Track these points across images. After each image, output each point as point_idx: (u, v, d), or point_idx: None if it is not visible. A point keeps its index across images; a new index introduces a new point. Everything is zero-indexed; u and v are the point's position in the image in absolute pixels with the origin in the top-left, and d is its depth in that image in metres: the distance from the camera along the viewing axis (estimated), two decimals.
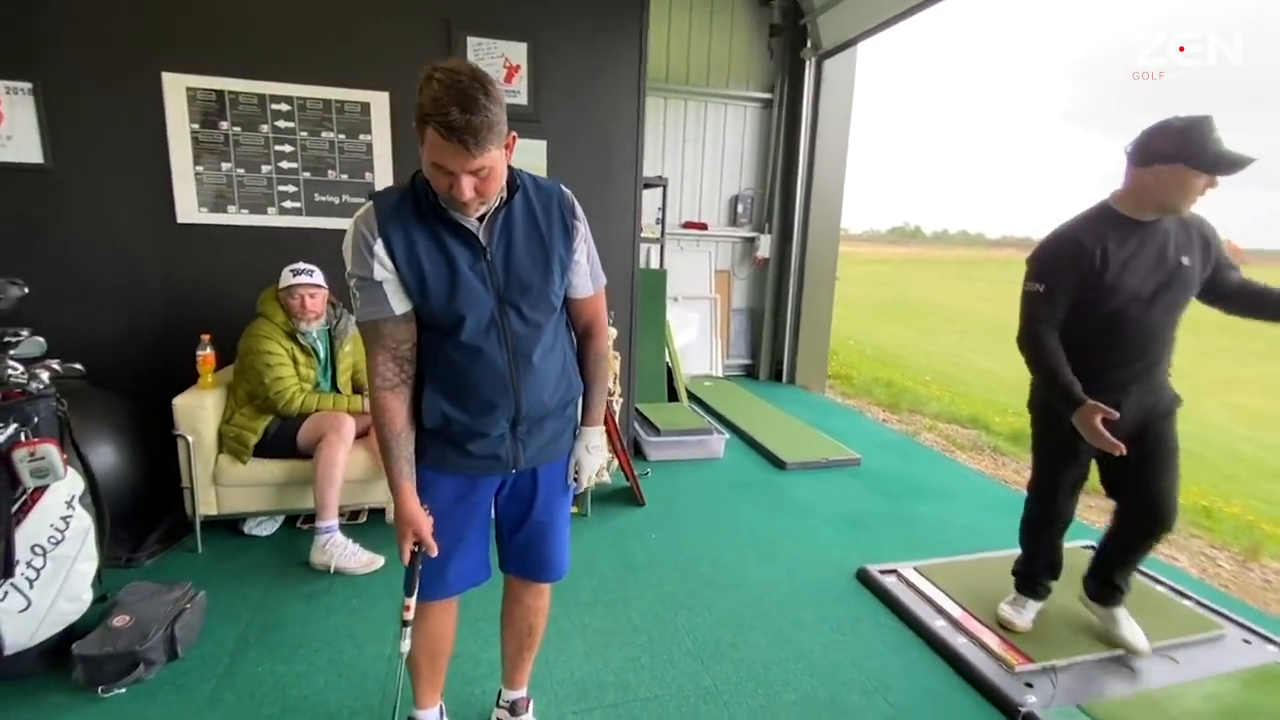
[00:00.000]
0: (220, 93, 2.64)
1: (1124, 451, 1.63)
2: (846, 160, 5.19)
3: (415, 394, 1.19)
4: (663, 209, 4.47)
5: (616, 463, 3.00)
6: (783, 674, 1.81)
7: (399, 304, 1.12)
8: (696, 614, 2.08)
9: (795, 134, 5.13)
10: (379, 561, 2.27)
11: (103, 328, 2.64)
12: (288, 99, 2.72)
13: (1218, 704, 1.70)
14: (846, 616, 2.10)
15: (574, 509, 2.73)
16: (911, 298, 20.49)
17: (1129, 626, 1.90)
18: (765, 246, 5.42)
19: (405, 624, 1.24)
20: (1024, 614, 2.00)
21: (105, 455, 2.23)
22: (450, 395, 1.17)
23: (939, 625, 2.01)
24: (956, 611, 2.07)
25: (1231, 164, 1.56)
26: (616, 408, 2.91)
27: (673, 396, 4.33)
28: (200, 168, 2.68)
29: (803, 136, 5.07)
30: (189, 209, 2.69)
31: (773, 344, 5.57)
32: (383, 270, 1.10)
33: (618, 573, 2.31)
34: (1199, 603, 2.19)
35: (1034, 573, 2.02)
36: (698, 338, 5.33)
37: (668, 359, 4.35)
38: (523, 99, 2.97)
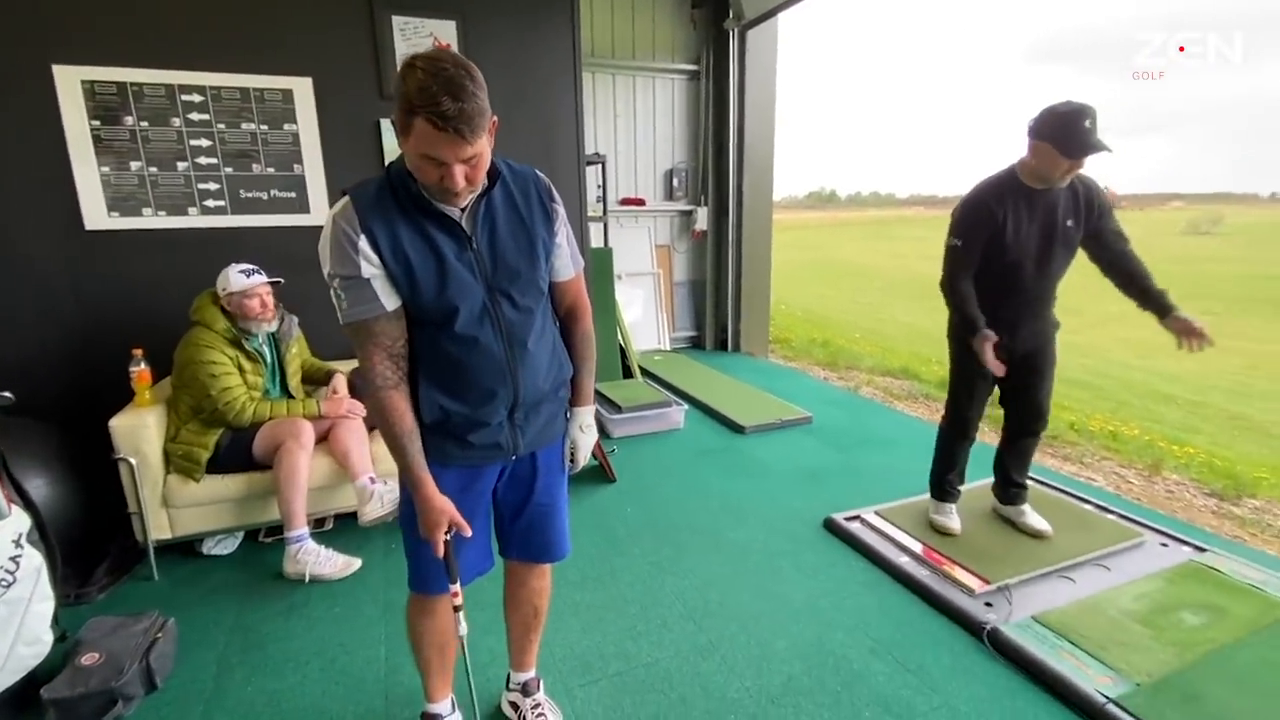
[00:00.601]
0: (122, 85, 2.43)
1: (1003, 373, 1.99)
2: (774, 129, 5.31)
3: (410, 391, 1.18)
4: (603, 186, 4.45)
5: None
6: (771, 624, 1.92)
7: (389, 300, 1.10)
8: (682, 578, 2.16)
9: (724, 105, 5.20)
10: (356, 564, 2.22)
11: (13, 351, 2.41)
12: (199, 89, 2.53)
13: (1148, 601, 1.93)
14: (820, 563, 2.24)
15: None
16: (833, 260, 21.31)
17: (1034, 517, 2.35)
18: (702, 219, 5.49)
19: (457, 609, 1.24)
20: (951, 517, 2.36)
21: (37, 488, 2.05)
22: (447, 388, 1.17)
23: (904, 562, 2.17)
24: (917, 547, 2.24)
25: (1085, 151, 1.83)
26: None
27: (627, 374, 4.38)
28: (106, 169, 2.47)
29: (731, 107, 5.14)
30: (98, 215, 2.48)
31: (716, 314, 5.70)
32: (370, 266, 1.07)
33: (601, 549, 2.36)
34: (1120, 515, 2.46)
35: (947, 479, 2.36)
36: (643, 313, 5.38)
37: (619, 337, 4.38)
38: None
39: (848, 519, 2.47)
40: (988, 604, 1.94)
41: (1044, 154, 1.89)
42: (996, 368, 1.99)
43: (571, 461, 1.39)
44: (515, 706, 1.55)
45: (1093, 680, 1.60)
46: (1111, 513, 2.49)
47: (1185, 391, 6.43)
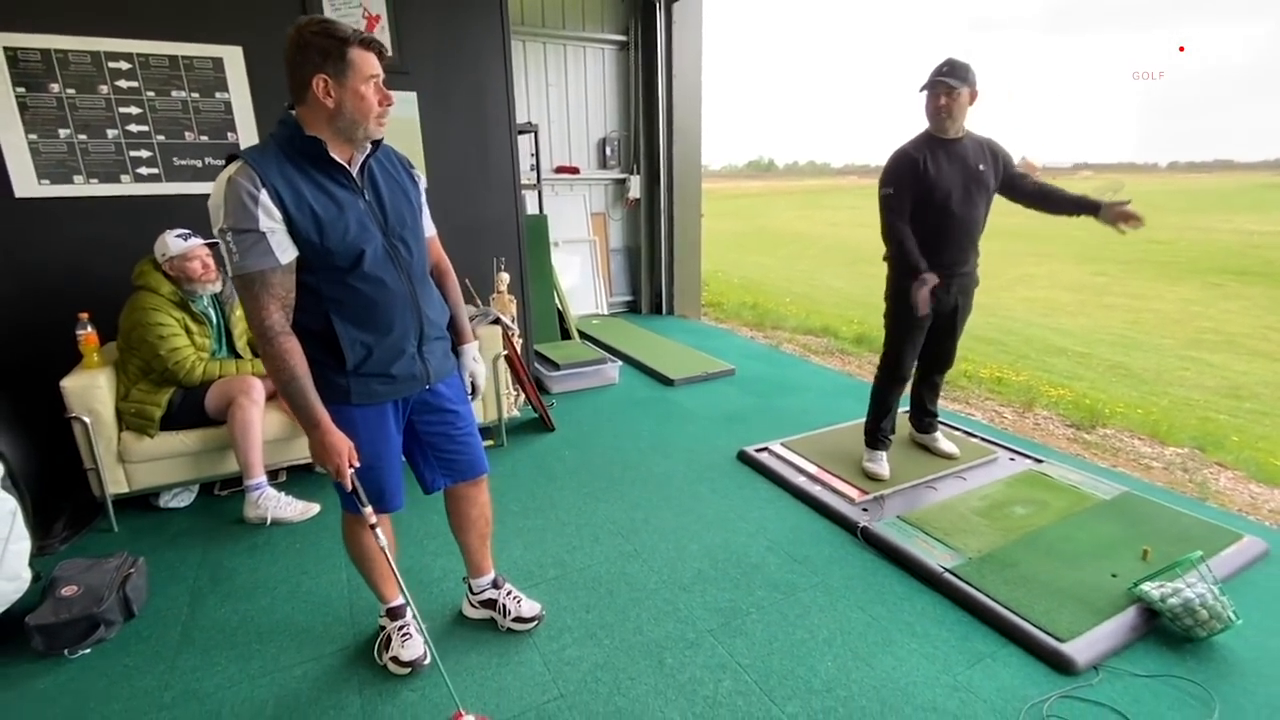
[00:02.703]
0: (45, 52, 2.43)
1: (926, 314, 2.27)
2: (702, 99, 5.55)
3: (324, 340, 1.32)
4: (536, 155, 4.60)
5: (524, 397, 3.27)
6: (687, 533, 2.25)
7: (285, 253, 1.22)
8: (612, 504, 2.47)
9: (653, 75, 5.38)
10: (315, 508, 2.41)
11: None
12: (126, 56, 2.56)
13: (989, 500, 2.37)
14: (732, 486, 2.59)
15: (490, 441, 3.00)
16: (771, 228, 21.85)
17: (944, 443, 2.76)
18: (635, 187, 5.71)
19: (373, 527, 1.43)
20: (882, 464, 2.59)
21: None
22: (364, 325, 1.33)
23: (800, 481, 2.55)
24: (813, 469, 2.62)
25: (925, 86, 2.24)
26: (519, 345, 3.15)
27: (565, 336, 4.61)
28: (34, 136, 2.48)
29: (659, 78, 5.34)
30: (27, 182, 2.50)
31: (651, 279, 5.97)
32: (269, 220, 1.18)
33: (540, 485, 2.63)
34: (981, 438, 2.92)
35: (880, 428, 2.63)
36: (581, 279, 5.60)
37: (557, 301, 4.60)
38: (386, 50, 2.97)
39: (757, 450, 2.83)
40: (864, 509, 2.33)
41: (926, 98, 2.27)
42: (924, 306, 2.23)
43: (473, 390, 1.63)
44: (490, 603, 1.80)
45: (937, 558, 2.01)
46: (975, 436, 2.94)
47: (1075, 345, 7.17)
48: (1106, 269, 12.45)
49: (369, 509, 1.41)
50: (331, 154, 1.26)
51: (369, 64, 1.24)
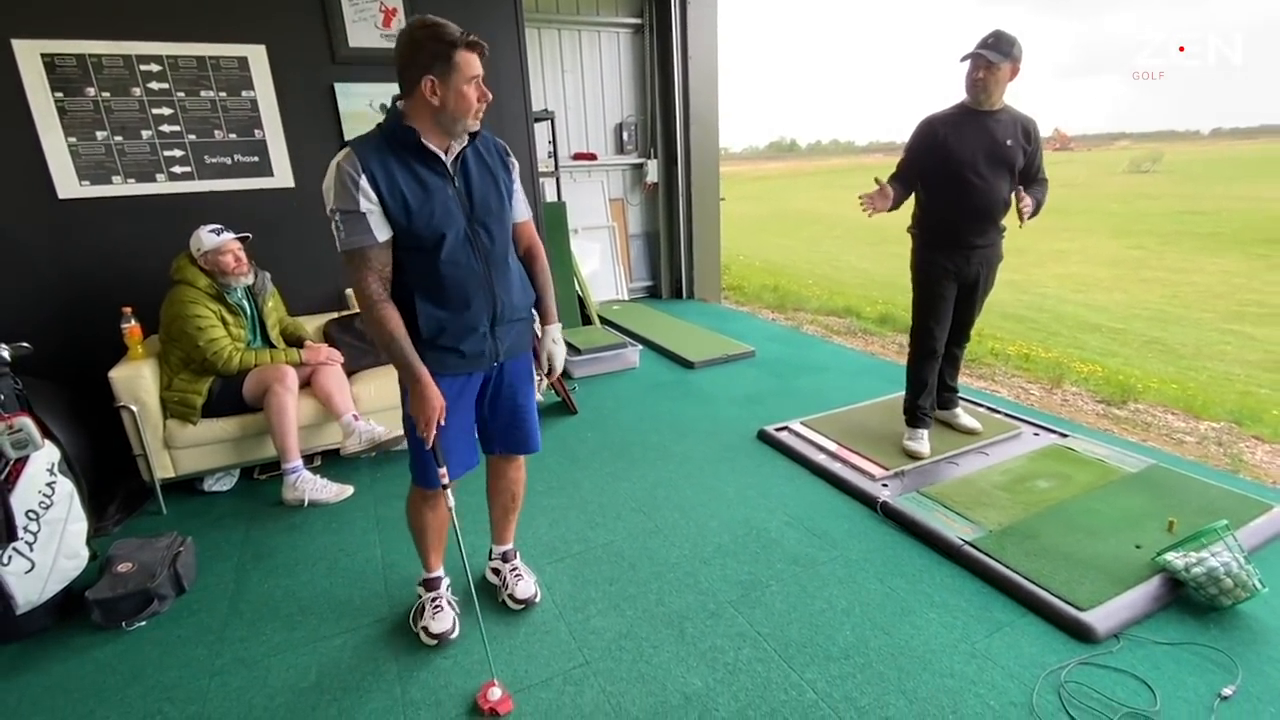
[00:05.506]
0: (80, 57, 2.53)
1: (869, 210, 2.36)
2: (718, 81, 5.51)
3: (405, 311, 1.42)
4: (553, 142, 4.62)
5: (547, 382, 3.33)
6: (707, 510, 2.29)
7: (381, 232, 1.35)
8: (634, 482, 2.52)
9: (668, 59, 5.35)
10: (349, 490, 2.51)
11: (6, 317, 2.56)
12: (156, 59, 2.65)
13: (1010, 475, 2.36)
14: (751, 465, 2.62)
15: None
16: (793, 210, 21.57)
17: (965, 418, 2.74)
18: (653, 172, 5.71)
19: (446, 487, 1.53)
20: (922, 442, 2.56)
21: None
22: (441, 303, 1.44)
23: (820, 458, 2.56)
24: (833, 446, 2.63)
25: (967, 56, 2.25)
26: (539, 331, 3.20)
27: (586, 322, 4.66)
28: (73, 139, 2.59)
29: (675, 61, 5.31)
30: (69, 184, 2.62)
31: (671, 263, 5.98)
32: (367, 202, 1.32)
33: (564, 466, 2.70)
34: (1005, 414, 2.90)
35: (918, 404, 2.60)
36: (601, 265, 5.63)
37: (577, 287, 4.65)
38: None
39: (777, 429, 2.85)
40: (884, 484, 2.34)
41: (967, 68, 2.27)
42: (869, 203, 2.35)
43: (549, 370, 1.70)
44: (497, 572, 1.89)
45: (956, 531, 2.02)
46: (999, 412, 2.92)
47: (1110, 320, 7.00)
48: (1144, 242, 12.06)
49: (444, 469, 1.51)
50: (426, 143, 1.35)
51: (472, 65, 1.32)
